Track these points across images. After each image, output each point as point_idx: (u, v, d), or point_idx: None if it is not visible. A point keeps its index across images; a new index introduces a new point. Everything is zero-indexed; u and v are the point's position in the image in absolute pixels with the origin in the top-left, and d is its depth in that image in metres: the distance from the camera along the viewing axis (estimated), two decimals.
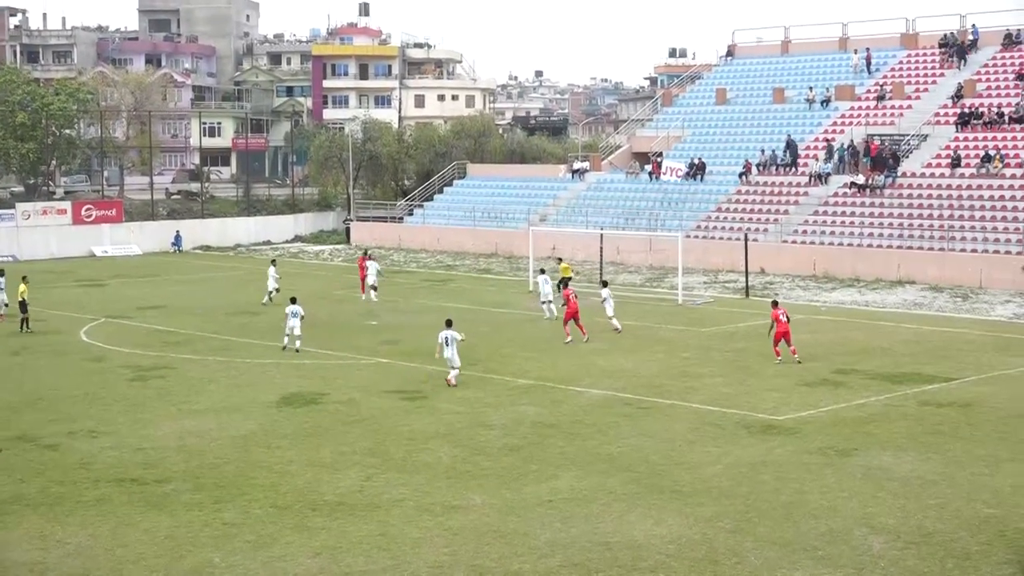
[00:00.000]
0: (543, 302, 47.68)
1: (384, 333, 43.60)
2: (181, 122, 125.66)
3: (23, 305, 45.46)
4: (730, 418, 29.59)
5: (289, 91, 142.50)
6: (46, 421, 30.00)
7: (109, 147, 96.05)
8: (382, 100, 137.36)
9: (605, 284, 46.44)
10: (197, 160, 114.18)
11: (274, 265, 54.66)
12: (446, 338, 33.83)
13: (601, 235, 61.95)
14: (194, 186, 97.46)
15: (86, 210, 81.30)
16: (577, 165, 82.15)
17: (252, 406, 31.53)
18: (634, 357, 38.30)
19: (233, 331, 44.59)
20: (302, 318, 40.15)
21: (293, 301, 40.93)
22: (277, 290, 51.72)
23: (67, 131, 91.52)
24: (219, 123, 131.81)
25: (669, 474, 24.49)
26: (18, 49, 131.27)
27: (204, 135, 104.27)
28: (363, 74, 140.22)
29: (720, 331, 44.33)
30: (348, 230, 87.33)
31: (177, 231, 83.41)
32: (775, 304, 38.35)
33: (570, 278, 53.33)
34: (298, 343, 40.06)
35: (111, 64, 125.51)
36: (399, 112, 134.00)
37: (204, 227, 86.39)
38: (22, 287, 45.90)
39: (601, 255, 60.81)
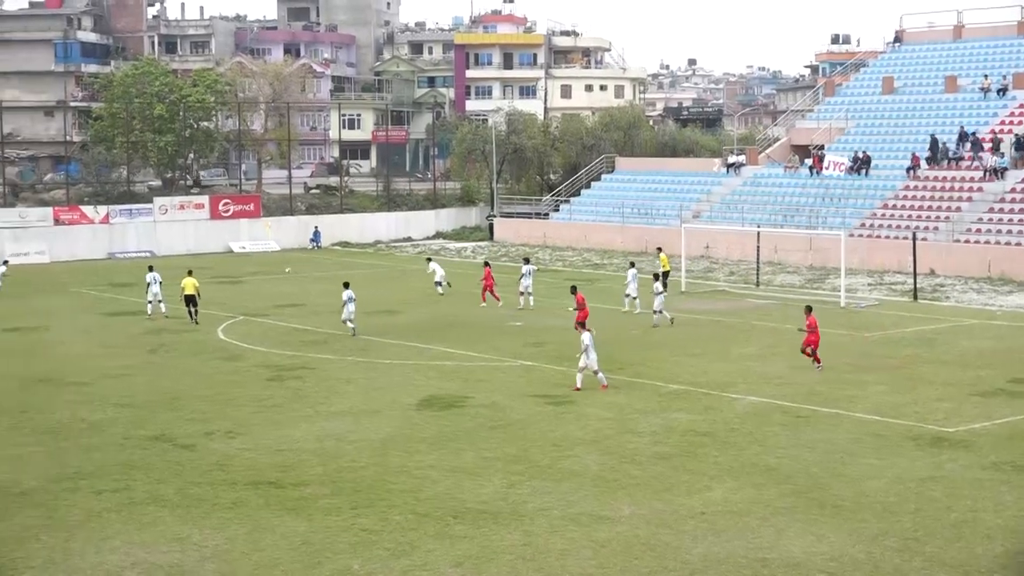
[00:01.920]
0: (627, 295, 49.43)
1: (528, 335, 43.75)
2: (320, 114, 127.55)
3: (191, 299, 47.42)
4: (896, 429, 29.06)
5: (431, 81, 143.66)
6: (183, 421, 30.75)
7: (247, 140, 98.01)
8: (527, 90, 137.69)
9: (657, 277, 47.19)
10: (336, 153, 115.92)
11: (430, 262, 58.52)
12: (593, 340, 33.90)
13: (758, 233, 61.39)
14: (333, 180, 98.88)
15: (223, 204, 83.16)
16: (732, 159, 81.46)
17: (391, 408, 31.89)
18: (792, 363, 37.83)
19: (372, 330, 45.13)
20: (354, 301, 43.92)
21: (346, 286, 44.26)
22: (447, 283, 55.95)
23: (205, 123, 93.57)
24: (359, 115, 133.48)
25: (830, 487, 24.15)
26: (156, 40, 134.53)
27: (343, 127, 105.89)
28: (507, 63, 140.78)
29: (886, 336, 43.59)
30: (491, 226, 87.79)
31: (316, 227, 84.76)
32: (809, 310, 37.70)
33: (667, 272, 54.73)
34: (349, 323, 43.81)
35: (249, 54, 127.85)
36: (545, 103, 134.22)
37: (343, 223, 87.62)
38: (190, 280, 47.89)
39: (758, 254, 60.25)
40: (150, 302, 49.48)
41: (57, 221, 77.11)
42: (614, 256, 73.24)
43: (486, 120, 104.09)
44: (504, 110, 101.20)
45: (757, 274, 59.81)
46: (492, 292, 51.88)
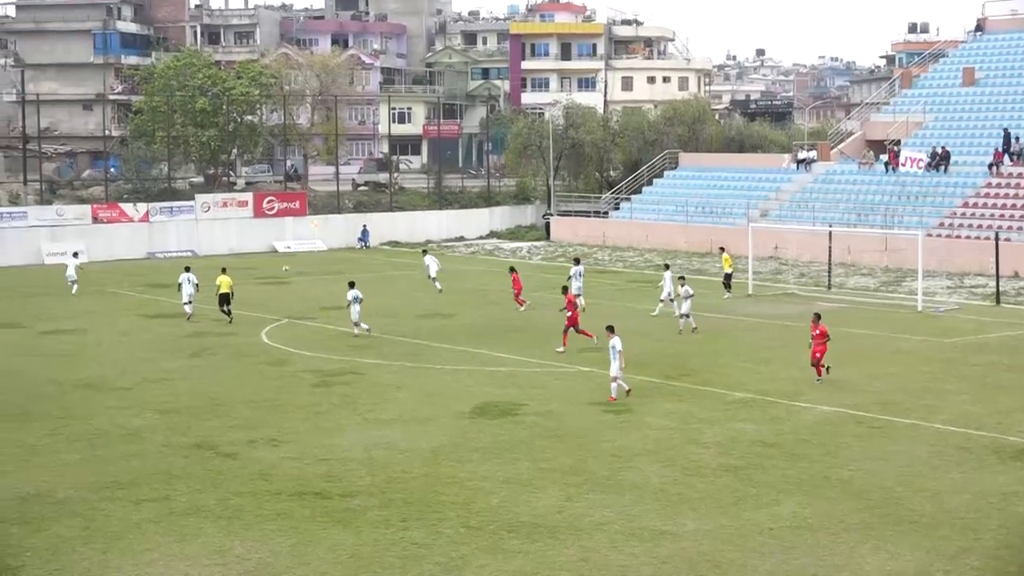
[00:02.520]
0: (662, 300, 49.59)
1: (586, 339, 43.61)
2: (369, 107, 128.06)
3: (225, 298, 48.84)
4: (978, 441, 28.79)
5: (485, 73, 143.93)
6: (225, 428, 30.93)
7: (292, 134, 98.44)
8: (586, 82, 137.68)
9: (684, 280, 46.64)
10: (385, 149, 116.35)
11: (427, 254, 61.30)
12: (613, 346, 33.34)
13: (830, 233, 61.02)
14: (382, 177, 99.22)
15: (268, 202, 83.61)
16: (803, 154, 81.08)
17: (443, 416, 31.95)
18: (867, 370, 37.56)
19: (424, 334, 45.25)
20: (360, 302, 44.77)
21: (351, 286, 45.30)
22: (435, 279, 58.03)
23: (249, 117, 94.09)
24: (409, 108, 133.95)
25: (907, 502, 23.96)
26: (199, 30, 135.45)
27: (393, 121, 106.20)
28: (565, 54, 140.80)
29: (967, 342, 43.21)
30: (548, 225, 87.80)
31: (364, 225, 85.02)
32: (818, 318, 36.30)
33: (730, 273, 55.34)
34: (358, 328, 44.60)
35: (295, 45, 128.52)
36: (604, 96, 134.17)
37: (393, 221, 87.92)
38: (225, 279, 49.28)
39: (829, 255, 59.87)
40: (187, 303, 50.10)
41: (95, 219, 77.74)
42: (677, 257, 73.01)
43: (543, 114, 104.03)
44: (562, 103, 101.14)
45: (829, 276, 59.43)
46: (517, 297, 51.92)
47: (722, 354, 40.86)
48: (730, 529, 22.42)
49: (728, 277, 55.40)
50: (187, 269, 51.57)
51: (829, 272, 59.71)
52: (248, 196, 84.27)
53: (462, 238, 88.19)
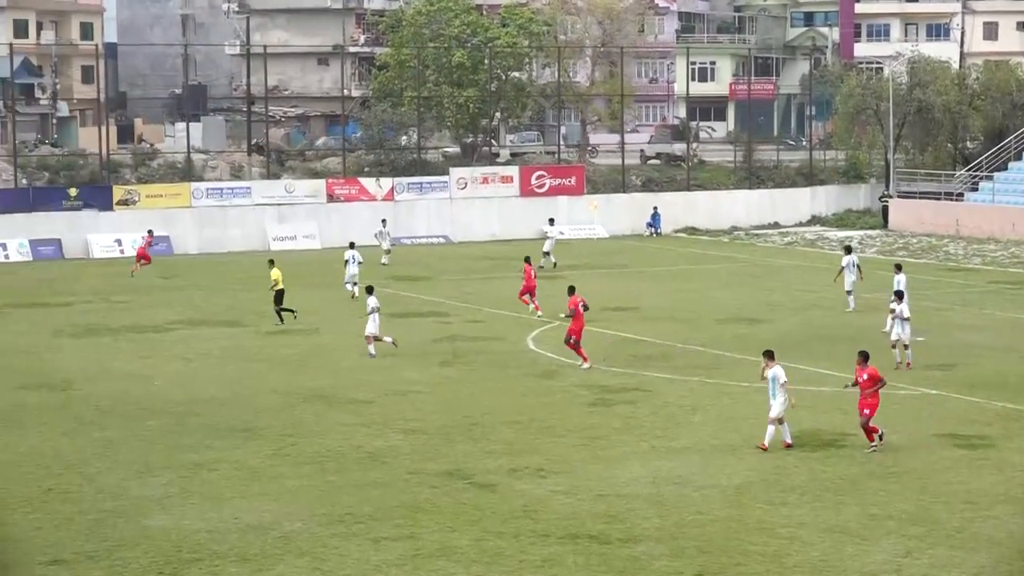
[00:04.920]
0: (848, 291, 51.88)
1: (934, 354, 42.86)
2: (662, 62, 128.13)
3: (279, 295, 50.21)
4: None
5: (808, 19, 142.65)
6: (482, 453, 31.41)
7: (568, 95, 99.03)
8: (937, 30, 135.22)
9: (902, 296, 42.01)
10: (683, 113, 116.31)
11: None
12: (774, 378, 32.13)
13: None
14: (678, 147, 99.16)
15: (537, 178, 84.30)
16: None
17: (749, 446, 31.82)
18: None
19: (726, 344, 45.07)
20: (378, 311, 43.80)
21: (370, 292, 44.37)
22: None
23: (515, 74, 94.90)
24: (712, 63, 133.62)
25: None
26: None
27: (692, 79, 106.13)
28: None
29: None
30: (885, 210, 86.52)
31: (655, 207, 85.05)
32: (865, 358, 32.77)
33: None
34: (374, 341, 43.65)
35: None
36: (961, 47, 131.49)
37: (690, 203, 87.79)
38: (277, 272, 50.47)
39: None
40: (354, 284, 53.22)
41: (331, 197, 79.62)
42: None
43: (881, 69, 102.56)
44: (906, 56, 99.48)
45: None
46: (530, 296, 51.56)
47: None
48: None
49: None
50: (351, 245, 55.50)
51: None
52: (513, 170, 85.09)
53: (776, 224, 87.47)
